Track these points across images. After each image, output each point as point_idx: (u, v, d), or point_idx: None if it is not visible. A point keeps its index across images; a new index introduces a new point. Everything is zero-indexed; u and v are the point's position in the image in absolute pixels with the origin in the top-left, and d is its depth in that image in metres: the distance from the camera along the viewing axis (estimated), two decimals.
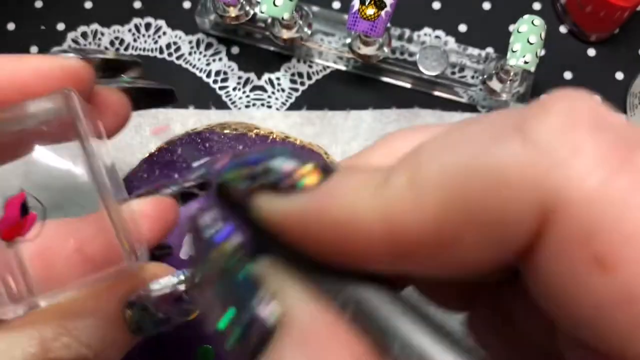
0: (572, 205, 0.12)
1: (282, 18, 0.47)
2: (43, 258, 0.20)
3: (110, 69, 0.22)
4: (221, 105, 0.52)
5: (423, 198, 0.13)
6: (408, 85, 0.52)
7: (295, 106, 0.51)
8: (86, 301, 0.22)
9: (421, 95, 0.51)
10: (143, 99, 0.23)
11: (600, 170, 0.12)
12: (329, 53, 0.51)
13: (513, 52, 0.45)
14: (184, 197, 0.25)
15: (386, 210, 0.13)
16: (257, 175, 0.15)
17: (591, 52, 0.53)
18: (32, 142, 0.20)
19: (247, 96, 0.52)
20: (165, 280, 0.22)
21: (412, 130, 0.16)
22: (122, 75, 0.23)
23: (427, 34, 0.53)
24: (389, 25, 0.48)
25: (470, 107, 0.51)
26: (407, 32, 0.52)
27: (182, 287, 0.22)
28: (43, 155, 0.20)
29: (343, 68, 0.52)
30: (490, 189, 0.12)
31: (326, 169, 0.15)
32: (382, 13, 0.44)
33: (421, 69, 0.50)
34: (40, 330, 0.21)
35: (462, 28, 0.53)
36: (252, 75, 0.52)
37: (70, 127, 0.19)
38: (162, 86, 0.24)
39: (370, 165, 0.16)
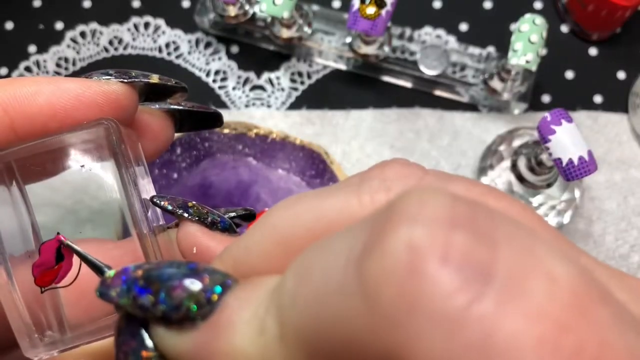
0: None
1: (282, 17, 0.46)
2: (75, 286, 0.19)
3: (154, 93, 0.21)
4: (220, 104, 0.51)
5: (291, 356, 0.13)
6: (409, 85, 0.51)
7: (295, 106, 0.51)
8: None
9: (422, 95, 0.51)
10: (188, 122, 0.22)
11: (438, 330, 0.11)
12: (329, 52, 0.51)
13: (514, 51, 0.44)
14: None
15: None
16: (146, 307, 0.15)
17: (592, 51, 0.52)
18: (66, 163, 0.20)
19: (247, 95, 0.51)
20: None
21: (288, 205, 0.16)
22: (167, 100, 0.22)
23: (427, 33, 0.53)
24: (389, 24, 0.48)
25: (471, 107, 0.51)
26: (408, 31, 0.51)
27: None
28: (76, 175, 0.20)
29: (343, 67, 0.52)
30: (343, 352, 0.12)
31: (222, 285, 0.15)
32: (383, 12, 0.44)
33: (422, 68, 0.50)
34: None
35: (463, 27, 0.53)
36: (252, 75, 0.52)
37: (109, 152, 0.19)
38: (208, 109, 0.24)
39: (250, 252, 0.16)
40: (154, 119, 0.22)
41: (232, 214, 0.22)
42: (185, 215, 0.20)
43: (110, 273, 0.16)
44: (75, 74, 0.52)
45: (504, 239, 0.11)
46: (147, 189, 0.20)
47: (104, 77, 0.20)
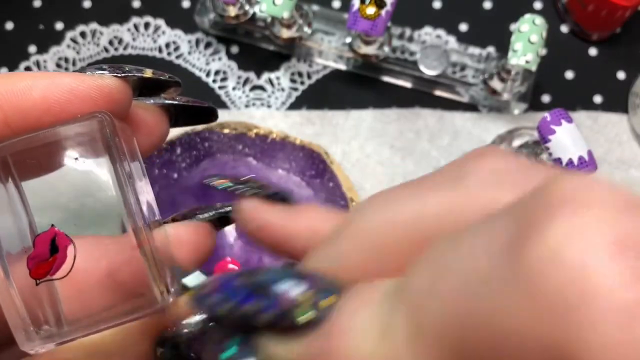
0: None
1: (282, 17, 0.46)
2: (73, 281, 0.19)
3: (147, 88, 0.21)
4: (221, 104, 0.51)
5: (424, 356, 0.12)
6: (409, 85, 0.51)
7: (295, 106, 0.51)
8: (115, 338, 0.21)
9: (422, 95, 0.51)
10: (182, 117, 0.22)
11: (613, 322, 0.10)
12: (329, 52, 0.51)
13: (514, 51, 0.44)
14: (222, 222, 0.24)
15: None
16: (248, 316, 0.14)
17: (592, 51, 0.52)
18: (61, 157, 0.19)
19: (247, 96, 0.52)
20: (199, 317, 0.21)
21: (379, 208, 0.15)
22: (161, 94, 0.22)
23: (427, 33, 0.53)
24: (389, 24, 0.48)
25: (471, 107, 0.51)
26: (408, 31, 0.51)
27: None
28: (72, 172, 0.20)
29: (343, 67, 0.52)
30: (493, 347, 0.11)
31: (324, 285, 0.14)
32: (383, 12, 0.44)
33: (422, 68, 0.50)
34: None
35: (463, 27, 0.53)
36: (252, 75, 0.52)
37: (103, 145, 0.19)
38: (202, 104, 0.24)
39: (342, 261, 0.15)
40: (148, 113, 0.22)
41: (228, 209, 0.22)
42: (245, 191, 0.20)
43: (203, 282, 0.15)
44: None
45: None
46: (144, 186, 0.20)
47: (97, 72, 0.20)
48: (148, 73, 0.21)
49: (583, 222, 0.11)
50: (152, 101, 0.22)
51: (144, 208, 0.19)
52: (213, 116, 0.24)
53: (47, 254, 0.18)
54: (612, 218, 0.11)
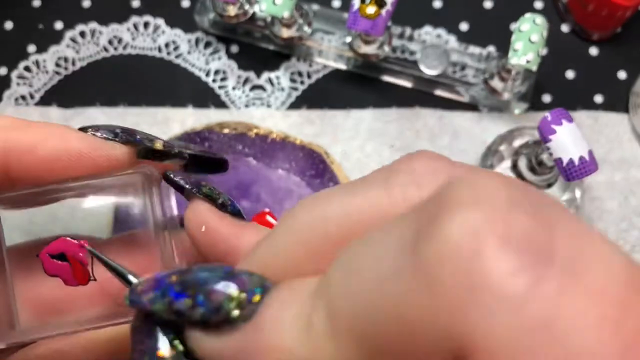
0: (482, 354, 0.11)
1: (282, 17, 0.46)
2: (38, 295, 0.19)
3: (154, 154, 0.21)
4: (220, 104, 0.51)
5: (342, 349, 0.13)
6: (409, 85, 0.51)
7: (295, 105, 0.51)
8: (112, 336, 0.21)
9: (422, 95, 0.51)
10: (194, 165, 0.23)
11: (502, 310, 0.11)
12: (329, 52, 0.51)
13: (515, 51, 0.44)
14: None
15: (314, 357, 0.13)
16: (183, 311, 0.15)
17: (593, 51, 0.52)
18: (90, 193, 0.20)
19: (247, 95, 0.51)
20: None
21: (313, 205, 0.16)
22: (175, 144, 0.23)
23: (428, 33, 0.52)
24: (389, 23, 0.48)
25: (472, 107, 0.51)
26: (408, 30, 0.51)
27: None
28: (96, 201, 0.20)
29: (343, 67, 0.52)
30: (401, 338, 0.12)
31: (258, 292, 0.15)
32: (383, 11, 0.44)
33: (422, 68, 0.50)
34: None
35: (464, 27, 0.53)
36: (252, 74, 0.52)
37: (137, 189, 0.20)
38: (216, 155, 0.24)
39: (278, 255, 0.16)
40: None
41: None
42: (197, 193, 0.20)
43: (140, 280, 0.16)
44: (75, 74, 0.52)
45: (560, 221, 0.12)
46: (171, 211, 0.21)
47: (110, 136, 0.21)
48: (159, 144, 0.21)
49: (473, 220, 0.12)
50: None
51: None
52: (223, 168, 0.24)
53: (66, 265, 0.19)
54: (498, 215, 0.12)
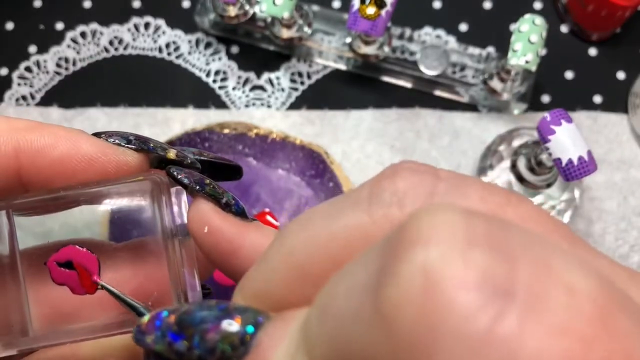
0: None
1: (282, 17, 0.46)
2: (49, 301, 0.20)
3: (166, 163, 0.21)
4: (221, 104, 0.51)
5: None
6: (408, 85, 0.51)
7: (295, 106, 0.51)
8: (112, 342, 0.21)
9: (422, 95, 0.51)
10: (208, 172, 0.22)
11: (461, 353, 0.10)
12: (329, 52, 0.51)
13: (514, 51, 0.44)
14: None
15: None
16: (182, 352, 0.15)
17: (592, 51, 0.52)
18: (101, 200, 0.20)
19: (247, 96, 0.52)
20: None
21: (301, 227, 0.16)
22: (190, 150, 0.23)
23: (427, 33, 0.53)
24: (389, 24, 0.48)
25: (471, 107, 0.51)
26: (408, 31, 0.51)
27: None
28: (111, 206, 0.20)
29: (343, 67, 0.52)
30: None
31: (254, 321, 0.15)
32: (383, 12, 0.44)
33: (422, 68, 0.50)
34: None
35: (463, 27, 0.53)
36: (252, 75, 0.52)
37: (146, 197, 0.19)
38: (230, 162, 0.24)
39: (269, 282, 0.16)
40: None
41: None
42: (201, 191, 0.20)
43: (144, 318, 0.16)
44: (76, 74, 0.52)
45: (522, 253, 0.11)
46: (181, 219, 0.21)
47: (123, 142, 0.20)
48: (172, 154, 0.21)
49: (429, 260, 0.11)
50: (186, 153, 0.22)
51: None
52: (238, 174, 0.24)
53: (73, 274, 0.19)
54: (455, 255, 0.11)
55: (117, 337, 0.20)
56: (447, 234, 0.11)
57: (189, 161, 0.21)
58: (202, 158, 0.22)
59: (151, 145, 0.21)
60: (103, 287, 0.19)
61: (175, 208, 0.20)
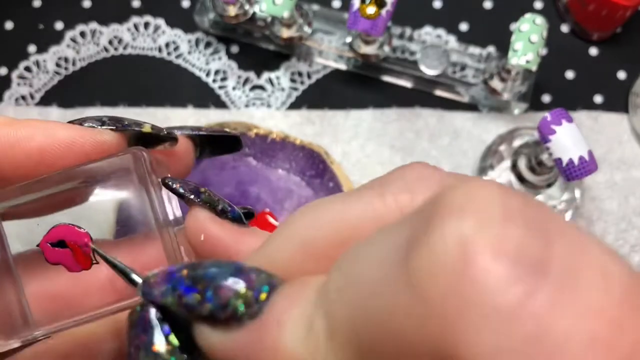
0: None
1: (282, 17, 0.46)
2: (81, 281, 0.20)
3: (144, 140, 0.21)
4: (220, 104, 0.51)
5: (338, 354, 0.13)
6: (409, 85, 0.51)
7: (295, 105, 0.51)
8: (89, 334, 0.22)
9: (422, 95, 0.51)
10: (208, 147, 0.22)
11: (491, 324, 0.10)
12: (329, 52, 0.51)
13: (514, 51, 0.44)
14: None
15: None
16: (192, 306, 0.15)
17: (593, 51, 0.52)
18: (90, 191, 0.20)
19: (247, 95, 0.51)
20: None
21: (310, 211, 0.16)
22: (187, 127, 0.22)
23: (427, 33, 0.52)
24: (389, 24, 0.48)
25: (471, 107, 0.51)
26: (408, 31, 0.51)
27: None
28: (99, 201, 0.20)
29: (343, 67, 0.52)
30: (393, 349, 0.12)
31: (267, 285, 0.15)
32: (383, 12, 0.44)
33: (422, 68, 0.50)
34: None
35: (463, 27, 0.53)
36: (252, 75, 0.52)
37: (132, 177, 0.19)
38: (228, 133, 0.24)
39: (274, 259, 0.16)
40: (178, 145, 0.22)
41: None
42: (196, 200, 0.20)
43: (153, 272, 0.16)
44: (75, 74, 0.52)
45: (557, 233, 0.11)
46: (174, 213, 0.21)
47: (97, 125, 0.21)
48: (147, 128, 0.21)
49: (464, 229, 0.11)
50: (178, 132, 0.22)
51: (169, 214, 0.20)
52: (238, 145, 0.24)
53: (66, 252, 0.19)
54: (491, 224, 0.11)
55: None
56: (483, 206, 0.11)
57: (165, 132, 0.21)
58: (200, 133, 0.22)
59: (125, 122, 0.21)
60: (96, 252, 0.19)
61: (166, 194, 0.20)
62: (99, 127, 0.20)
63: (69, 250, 0.19)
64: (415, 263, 0.11)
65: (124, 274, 0.18)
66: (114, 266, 0.18)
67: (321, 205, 0.16)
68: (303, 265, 0.15)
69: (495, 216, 0.11)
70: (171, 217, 0.20)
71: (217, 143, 0.23)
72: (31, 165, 0.19)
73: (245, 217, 0.23)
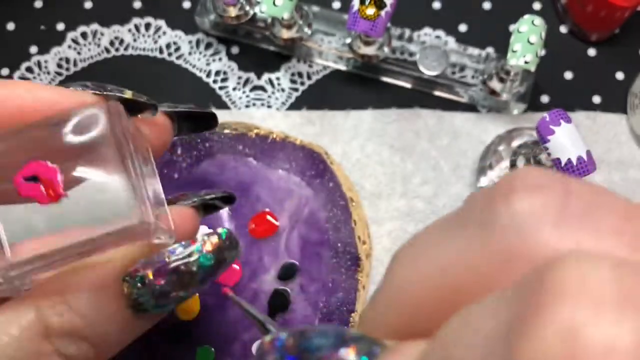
0: None
1: (282, 18, 0.47)
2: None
3: (125, 107, 0.22)
4: (221, 105, 0.51)
5: None
6: (408, 85, 0.51)
7: (295, 106, 0.51)
8: (85, 274, 0.22)
9: (421, 95, 0.51)
10: (185, 124, 0.23)
11: None
12: (329, 53, 0.51)
13: (513, 52, 0.44)
14: (206, 209, 0.25)
15: None
16: None
17: (591, 51, 0.53)
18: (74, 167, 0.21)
19: (247, 96, 0.52)
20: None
21: (410, 260, 0.15)
22: (138, 115, 0.23)
23: (427, 34, 0.53)
24: (389, 25, 0.48)
25: (471, 107, 0.51)
26: (407, 32, 0.51)
27: (185, 261, 0.22)
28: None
29: (343, 68, 0.52)
30: None
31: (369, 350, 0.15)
32: (382, 13, 0.44)
33: (421, 68, 0.50)
34: (38, 301, 0.22)
35: (463, 28, 0.53)
36: (252, 75, 0.52)
37: (114, 149, 0.20)
38: (203, 110, 0.25)
39: (378, 324, 0.16)
40: (157, 119, 0.22)
41: (212, 196, 0.23)
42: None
43: (266, 338, 0.17)
44: (77, 75, 0.52)
45: None
46: (155, 183, 0.21)
47: (80, 89, 0.21)
48: (128, 94, 0.22)
49: (575, 322, 0.10)
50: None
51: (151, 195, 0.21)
52: (213, 121, 0.24)
53: (36, 185, 0.20)
54: (610, 317, 0.10)
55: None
56: (597, 292, 0.10)
57: (145, 100, 0.22)
58: (177, 110, 0.23)
59: (108, 88, 0.21)
60: (233, 301, 0.20)
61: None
62: (82, 89, 0.21)
63: (39, 184, 0.20)
64: (519, 349, 0.10)
65: (261, 324, 0.19)
66: (252, 316, 0.19)
67: (421, 252, 0.15)
68: (410, 326, 0.15)
69: (610, 307, 0.10)
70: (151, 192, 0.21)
71: (193, 120, 0.24)
72: (12, 124, 0.20)
73: (225, 201, 0.24)
